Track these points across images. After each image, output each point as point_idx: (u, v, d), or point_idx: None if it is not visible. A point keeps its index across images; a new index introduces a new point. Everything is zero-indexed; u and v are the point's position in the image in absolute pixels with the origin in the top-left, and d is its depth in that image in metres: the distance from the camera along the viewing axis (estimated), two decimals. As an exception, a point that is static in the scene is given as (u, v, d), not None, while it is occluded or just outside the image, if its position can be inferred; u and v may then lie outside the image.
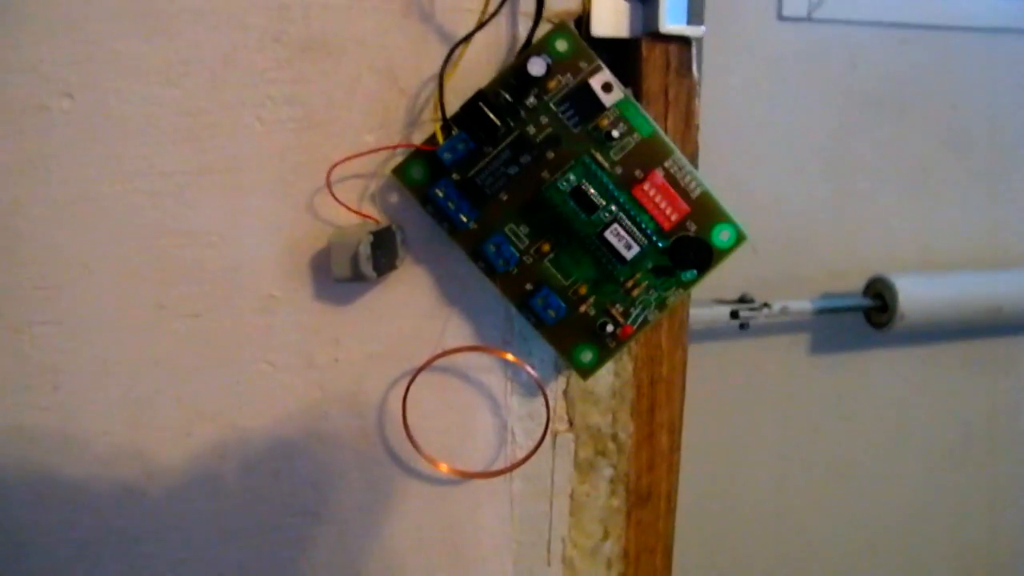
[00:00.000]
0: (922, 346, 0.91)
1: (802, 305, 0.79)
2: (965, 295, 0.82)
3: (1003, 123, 0.88)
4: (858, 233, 0.86)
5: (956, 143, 0.86)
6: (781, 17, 0.77)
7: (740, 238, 0.42)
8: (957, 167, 0.87)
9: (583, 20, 0.43)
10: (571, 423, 0.47)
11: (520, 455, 0.47)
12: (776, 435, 0.91)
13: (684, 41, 0.44)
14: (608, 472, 0.48)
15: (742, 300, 0.76)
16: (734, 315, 0.74)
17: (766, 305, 0.76)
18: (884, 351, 0.90)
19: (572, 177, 0.41)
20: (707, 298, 0.77)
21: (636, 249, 0.41)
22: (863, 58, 0.81)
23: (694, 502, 0.89)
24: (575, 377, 0.46)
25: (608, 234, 0.41)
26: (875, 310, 0.82)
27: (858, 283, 0.85)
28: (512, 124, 0.40)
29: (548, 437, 0.47)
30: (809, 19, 0.78)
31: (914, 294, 0.79)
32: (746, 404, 0.89)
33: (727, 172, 0.78)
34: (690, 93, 0.44)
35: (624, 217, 0.41)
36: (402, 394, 0.44)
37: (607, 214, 0.41)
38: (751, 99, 0.79)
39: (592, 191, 0.41)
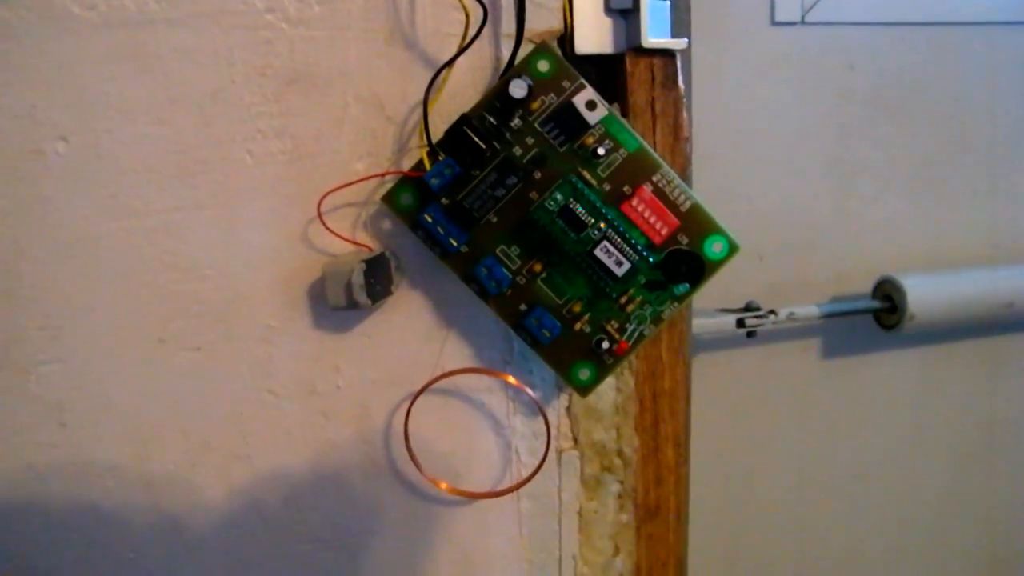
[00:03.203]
0: (935, 345, 0.89)
1: (809, 310, 0.78)
2: (975, 292, 0.80)
3: (1006, 116, 0.86)
4: (864, 234, 0.85)
5: (959, 138, 0.85)
6: (774, 22, 0.76)
7: (733, 249, 0.42)
8: (962, 162, 0.86)
9: (566, 38, 0.43)
10: (576, 440, 0.47)
11: (526, 474, 0.47)
12: (791, 441, 0.90)
13: (668, 54, 0.44)
14: (615, 488, 0.48)
15: (748, 308, 0.75)
16: (740, 323, 0.73)
17: (772, 312, 0.75)
18: (897, 352, 0.89)
19: (559, 196, 0.41)
20: (713, 307, 0.76)
21: (627, 265, 0.41)
22: (860, 59, 0.80)
23: (712, 512, 0.88)
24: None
25: (598, 252, 0.41)
26: (884, 312, 0.81)
27: (867, 285, 0.84)
28: (498, 146, 0.40)
29: (553, 455, 0.47)
30: (803, 23, 0.77)
31: (923, 294, 0.78)
32: (759, 412, 0.88)
33: (728, 179, 0.78)
34: (677, 106, 0.44)
35: (613, 234, 0.41)
36: (404, 417, 0.44)
37: (596, 232, 0.41)
38: (749, 106, 0.78)
39: (580, 210, 0.41)
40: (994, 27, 0.82)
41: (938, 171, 0.85)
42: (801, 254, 0.83)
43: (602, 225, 0.41)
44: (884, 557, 0.97)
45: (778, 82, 0.78)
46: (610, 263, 0.41)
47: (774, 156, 0.80)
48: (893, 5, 0.80)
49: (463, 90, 0.43)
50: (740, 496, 0.91)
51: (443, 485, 0.45)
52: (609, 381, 0.46)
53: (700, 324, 0.71)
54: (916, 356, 0.90)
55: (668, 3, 0.44)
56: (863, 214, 0.84)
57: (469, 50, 0.41)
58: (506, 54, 0.42)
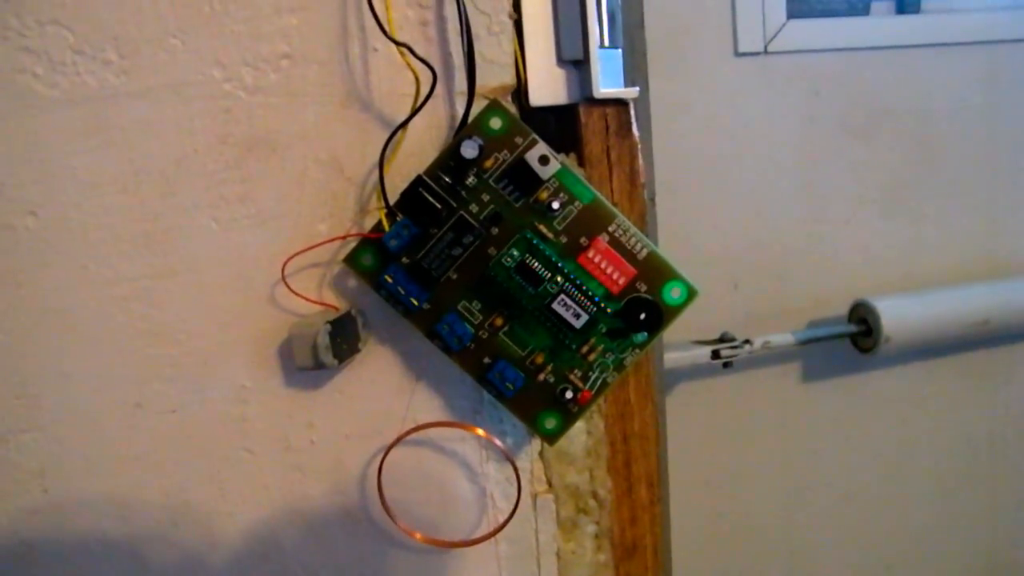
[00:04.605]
0: (917, 362, 0.89)
1: (785, 338, 0.78)
2: (950, 312, 0.80)
3: (972, 135, 0.87)
4: (838, 258, 0.85)
5: (926, 158, 0.85)
6: (738, 53, 0.77)
7: (692, 294, 0.42)
8: (930, 182, 0.86)
9: (521, 90, 0.44)
10: (550, 483, 0.48)
11: (502, 519, 0.47)
12: (777, 467, 0.90)
13: (622, 103, 0.44)
14: (591, 529, 0.49)
15: (722, 339, 0.75)
16: (715, 355, 0.73)
17: (747, 342, 0.75)
18: (878, 371, 0.89)
19: (515, 252, 0.41)
20: (688, 339, 0.76)
21: (585, 317, 0.41)
22: (824, 84, 0.80)
23: (700, 542, 0.88)
24: (548, 439, 0.47)
25: (556, 305, 0.41)
26: (860, 335, 0.81)
27: (844, 307, 0.84)
28: (454, 205, 0.41)
29: (528, 499, 0.48)
30: (766, 52, 0.78)
31: (898, 315, 0.78)
32: (742, 439, 0.87)
33: (699, 210, 0.78)
34: (632, 153, 0.45)
35: (570, 287, 0.41)
36: (378, 470, 0.45)
37: (553, 286, 0.41)
38: (717, 137, 0.79)
39: (536, 264, 0.41)
40: (955, 48, 0.83)
41: (908, 192, 0.86)
42: (776, 280, 0.83)
43: (559, 279, 0.41)
44: (877, 572, 0.97)
45: (745, 111, 0.79)
46: (568, 316, 0.41)
47: (745, 184, 0.81)
48: (855, 30, 0.80)
49: (420, 148, 0.43)
50: (728, 523, 0.91)
51: (417, 536, 0.46)
52: (579, 425, 0.47)
53: (675, 358, 0.71)
54: (896, 375, 0.90)
55: (620, 51, 0.45)
56: (836, 238, 0.85)
57: (424, 109, 0.42)
58: (460, 111, 0.43)
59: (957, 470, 0.96)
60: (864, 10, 0.82)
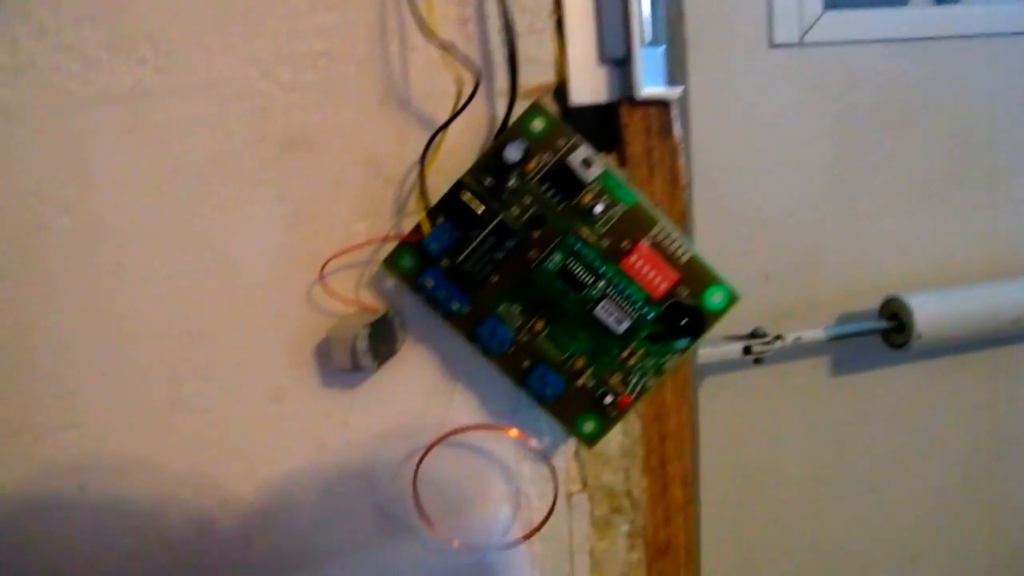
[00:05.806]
0: (947, 357, 0.89)
1: (816, 334, 0.77)
2: (984, 308, 0.79)
3: (1009, 129, 0.85)
4: (870, 252, 0.84)
5: (963, 153, 0.84)
6: (773, 45, 0.76)
7: (733, 299, 0.42)
8: (965, 177, 0.85)
9: (561, 89, 0.43)
10: (584, 483, 0.48)
11: (536, 518, 0.47)
12: (804, 461, 0.89)
13: (663, 103, 0.43)
14: (625, 528, 0.49)
15: (754, 335, 0.75)
16: (747, 351, 0.73)
17: (779, 338, 0.74)
18: (908, 366, 0.88)
19: (558, 257, 0.41)
20: (719, 333, 0.75)
21: (627, 323, 0.41)
22: (861, 76, 0.79)
23: (730, 535, 0.88)
24: (584, 439, 0.46)
25: (598, 311, 0.41)
26: (892, 331, 0.81)
27: (874, 301, 0.83)
28: (496, 208, 0.40)
29: (563, 499, 0.48)
30: (801, 44, 0.76)
31: (931, 312, 0.77)
32: (769, 433, 0.87)
33: (733, 202, 0.77)
34: (674, 154, 0.44)
35: (613, 292, 0.41)
36: (413, 473, 0.45)
37: (595, 291, 0.41)
38: (751, 129, 0.77)
39: (578, 269, 0.41)
40: (995, 39, 0.81)
41: (942, 186, 0.85)
42: (807, 273, 0.82)
43: (601, 284, 0.41)
44: (900, 569, 0.97)
45: (779, 103, 0.78)
46: (610, 321, 0.41)
47: (778, 177, 0.80)
48: (892, 22, 0.79)
49: (459, 149, 0.43)
50: (755, 516, 0.90)
51: (455, 543, 0.46)
52: (616, 426, 0.46)
53: (706, 353, 0.71)
54: (924, 369, 0.89)
55: (662, 49, 0.44)
56: (868, 232, 0.84)
57: (465, 109, 0.41)
58: (501, 111, 0.42)
59: (986, 465, 0.96)
60: (902, 1, 0.80)
